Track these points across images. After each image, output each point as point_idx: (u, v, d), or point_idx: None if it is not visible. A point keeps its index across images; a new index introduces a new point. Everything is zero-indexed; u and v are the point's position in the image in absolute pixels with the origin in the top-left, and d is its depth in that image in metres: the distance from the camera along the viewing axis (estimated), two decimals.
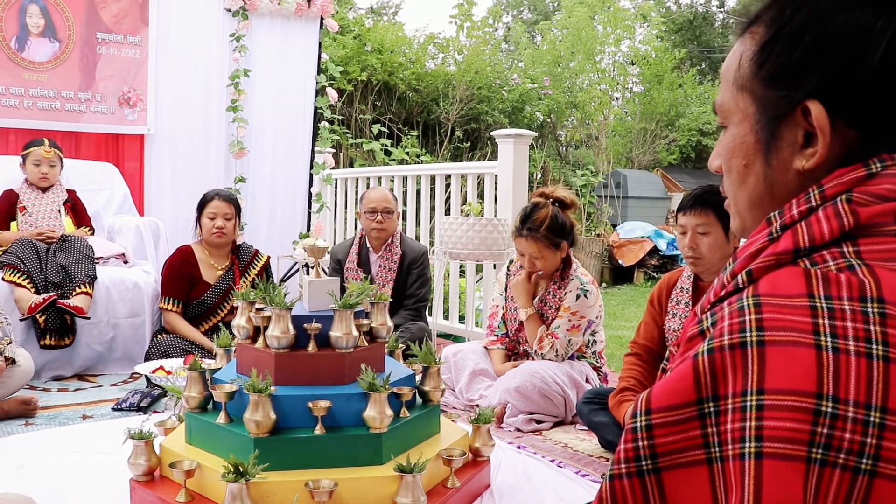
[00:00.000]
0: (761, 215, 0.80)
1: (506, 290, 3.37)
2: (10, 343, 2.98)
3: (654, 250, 9.32)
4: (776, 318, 0.65)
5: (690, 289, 2.55)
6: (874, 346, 0.62)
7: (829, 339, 0.63)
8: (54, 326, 3.60)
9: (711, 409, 0.65)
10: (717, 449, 0.65)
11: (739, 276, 0.73)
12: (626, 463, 0.69)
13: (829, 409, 0.61)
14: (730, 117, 0.83)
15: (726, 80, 0.83)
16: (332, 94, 5.53)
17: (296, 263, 5.18)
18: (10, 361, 2.95)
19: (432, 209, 4.98)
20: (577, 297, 3.13)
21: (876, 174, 0.72)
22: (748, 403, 0.63)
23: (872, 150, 0.73)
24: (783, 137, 0.77)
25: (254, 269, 4.00)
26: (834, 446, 0.60)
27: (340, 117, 8.14)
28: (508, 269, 3.42)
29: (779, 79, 0.76)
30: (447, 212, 5.00)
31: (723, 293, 0.75)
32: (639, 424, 0.69)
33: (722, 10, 23.85)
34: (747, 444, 0.62)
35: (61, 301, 3.54)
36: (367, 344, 2.00)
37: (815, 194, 0.74)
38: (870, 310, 0.64)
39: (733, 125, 0.82)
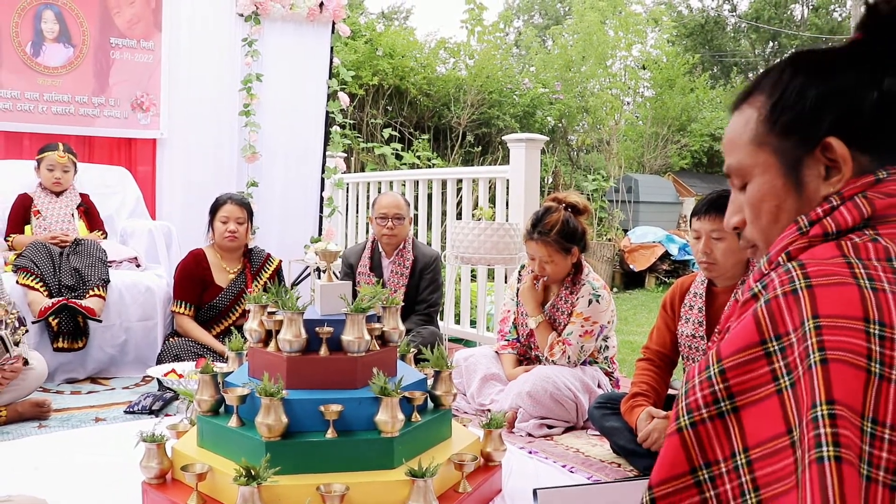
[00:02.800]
0: None
1: (517, 294, 3.36)
2: (27, 331, 2.97)
3: (666, 255, 9.29)
4: (819, 269, 0.78)
5: (704, 294, 2.54)
6: None
7: (867, 281, 0.76)
8: (67, 329, 3.61)
9: (776, 347, 0.76)
10: (785, 378, 0.74)
11: (781, 257, 0.86)
12: (707, 407, 0.78)
13: (878, 332, 0.72)
14: (750, 173, 0.96)
15: (736, 145, 0.97)
16: (344, 99, 5.54)
17: (307, 267, 5.19)
18: (24, 362, 2.96)
19: (444, 213, 4.98)
20: (590, 302, 3.11)
21: (883, 179, 0.87)
22: (806, 328, 0.73)
23: (879, 166, 0.89)
24: (808, 174, 0.91)
25: (266, 272, 4.01)
26: (887, 363, 0.70)
27: (352, 122, 8.17)
28: (520, 274, 3.41)
29: (794, 128, 0.91)
30: (458, 216, 5.00)
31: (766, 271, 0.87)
32: (712, 372, 0.78)
33: (734, 14, 23.78)
34: (812, 356, 0.72)
35: (73, 301, 3.56)
36: (378, 348, 2.00)
37: (835, 197, 0.89)
38: None
39: (756, 177, 0.96)
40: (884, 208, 0.85)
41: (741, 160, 0.96)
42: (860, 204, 0.85)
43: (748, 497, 0.75)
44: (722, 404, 0.77)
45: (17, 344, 2.87)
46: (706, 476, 0.78)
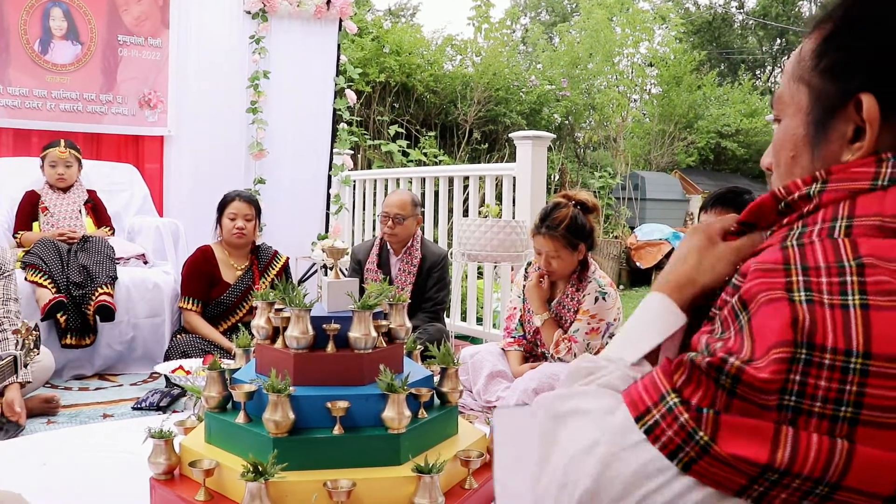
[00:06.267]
0: None
1: (523, 291, 3.36)
2: (38, 353, 2.92)
3: (672, 252, 9.27)
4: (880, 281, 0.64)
5: None
6: None
7: None
8: (75, 326, 3.63)
9: (803, 354, 0.62)
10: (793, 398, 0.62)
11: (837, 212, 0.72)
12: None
13: None
14: (785, 110, 0.83)
15: (787, 74, 0.84)
16: (351, 96, 5.54)
17: (314, 264, 5.19)
18: (23, 385, 2.93)
19: (450, 211, 4.98)
20: (596, 299, 3.11)
21: None
22: (852, 366, 0.60)
23: None
24: (834, 130, 0.77)
25: (273, 269, 4.02)
26: None
27: (359, 119, 8.17)
28: (526, 271, 3.41)
29: (836, 70, 0.76)
30: (465, 213, 5.00)
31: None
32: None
33: (741, 11, 23.69)
34: (843, 409, 0.60)
35: (100, 299, 3.59)
36: (385, 345, 2.00)
37: None
38: None
39: (787, 117, 0.83)
40: None
41: (783, 93, 0.84)
42: None
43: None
44: (722, 377, 0.65)
45: (25, 366, 2.88)
46: None
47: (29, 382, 2.96)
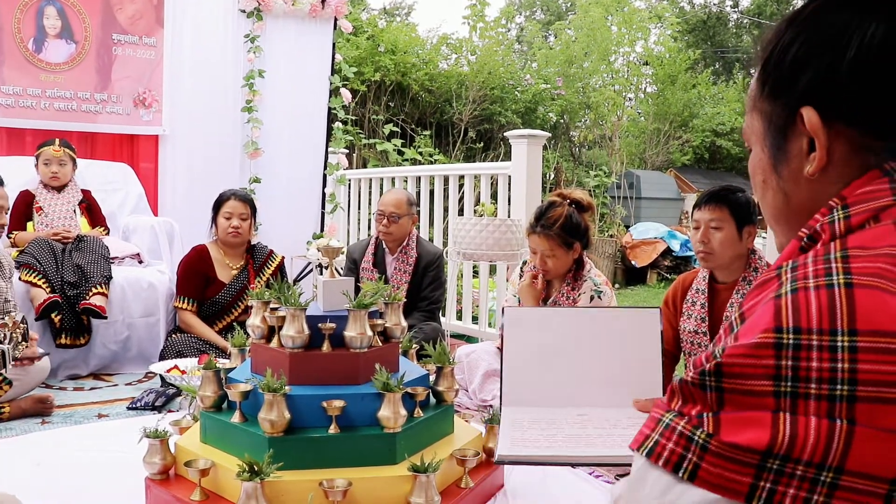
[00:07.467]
0: (787, 226, 0.83)
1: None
2: (27, 347, 2.93)
3: (668, 251, 9.28)
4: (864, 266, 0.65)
5: (706, 290, 2.54)
6: None
7: None
8: (70, 326, 3.62)
9: (790, 340, 0.62)
10: (788, 384, 0.61)
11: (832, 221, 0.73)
12: (694, 371, 0.67)
13: None
14: (749, 140, 0.87)
15: (746, 109, 0.88)
16: (346, 95, 5.54)
17: (309, 263, 5.19)
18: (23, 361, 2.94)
19: (445, 209, 4.98)
20: (591, 298, 3.11)
21: None
22: (839, 344, 0.60)
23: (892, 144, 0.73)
24: (790, 148, 0.79)
25: (268, 269, 4.02)
26: None
27: (354, 118, 8.16)
28: (521, 270, 3.41)
29: (777, 92, 0.80)
30: (460, 212, 5.00)
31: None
32: (715, 350, 0.67)
33: (736, 10, 23.74)
34: (839, 387, 0.60)
35: (85, 302, 3.58)
36: (381, 344, 2.00)
37: None
38: None
39: (753, 146, 0.86)
40: None
41: (745, 125, 0.87)
42: None
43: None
44: (707, 378, 0.65)
45: (14, 360, 2.86)
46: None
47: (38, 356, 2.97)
